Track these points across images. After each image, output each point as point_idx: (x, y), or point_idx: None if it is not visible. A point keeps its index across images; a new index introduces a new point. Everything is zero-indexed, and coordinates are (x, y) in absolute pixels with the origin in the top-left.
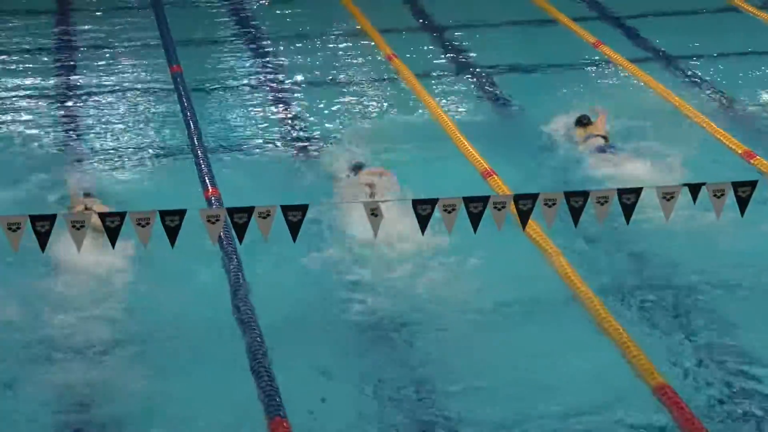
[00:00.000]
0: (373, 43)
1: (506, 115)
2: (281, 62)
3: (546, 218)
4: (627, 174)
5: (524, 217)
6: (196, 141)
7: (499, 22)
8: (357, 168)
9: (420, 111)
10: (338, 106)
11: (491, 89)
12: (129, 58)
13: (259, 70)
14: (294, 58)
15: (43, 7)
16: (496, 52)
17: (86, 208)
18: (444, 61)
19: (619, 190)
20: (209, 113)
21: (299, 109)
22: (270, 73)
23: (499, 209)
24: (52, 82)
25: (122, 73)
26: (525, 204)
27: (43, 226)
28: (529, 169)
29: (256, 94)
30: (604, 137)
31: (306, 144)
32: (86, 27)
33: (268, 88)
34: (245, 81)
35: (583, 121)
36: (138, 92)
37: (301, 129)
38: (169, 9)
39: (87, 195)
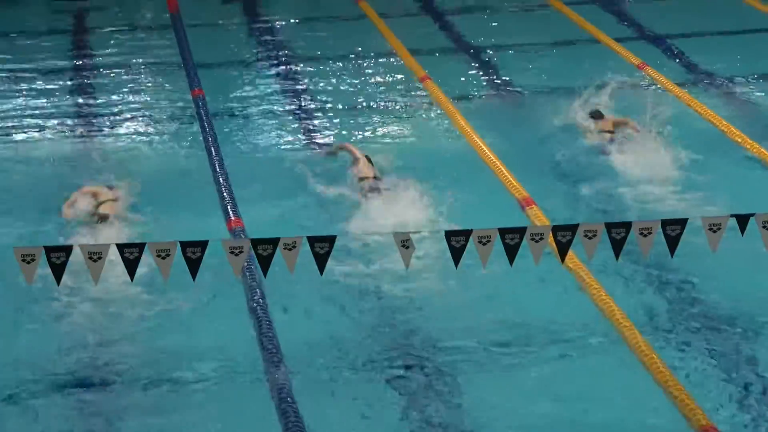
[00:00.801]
0: (405, 65)
1: (543, 138)
2: (308, 85)
3: (587, 251)
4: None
5: (563, 249)
6: (218, 167)
7: (536, 42)
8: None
9: (454, 135)
10: (369, 131)
11: (528, 111)
12: (148, 80)
13: (284, 93)
14: (322, 81)
15: (60, 27)
16: (533, 74)
17: (98, 202)
18: (479, 82)
19: (663, 221)
20: (232, 139)
21: (327, 134)
22: (296, 96)
23: (537, 241)
24: (67, 103)
25: (141, 95)
26: (564, 236)
27: (58, 257)
28: (567, 195)
29: (281, 119)
30: (611, 131)
31: (334, 171)
32: (104, 50)
33: (294, 113)
34: (270, 105)
35: (595, 116)
36: (157, 116)
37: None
38: (190, 29)
39: (109, 187)
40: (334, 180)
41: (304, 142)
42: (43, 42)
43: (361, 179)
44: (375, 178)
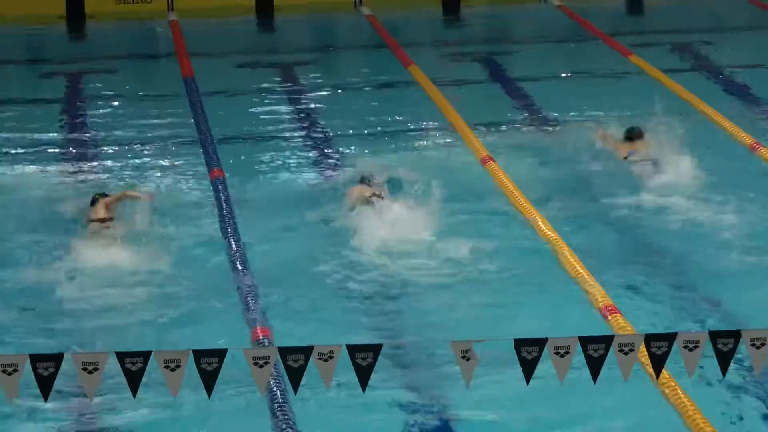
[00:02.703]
0: (465, 143)
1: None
2: (348, 166)
3: (687, 367)
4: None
5: (658, 363)
6: (239, 264)
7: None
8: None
9: (522, 226)
10: (433, 222)
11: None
12: (161, 157)
13: (321, 177)
14: (365, 160)
15: (50, 96)
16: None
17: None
18: (544, 167)
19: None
20: (256, 231)
21: (371, 227)
22: (336, 179)
23: (626, 353)
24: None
25: (153, 174)
26: (660, 347)
27: (46, 368)
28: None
29: (316, 210)
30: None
31: (375, 275)
32: (104, 121)
33: (332, 201)
34: (303, 192)
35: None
36: (171, 200)
37: (372, 251)
38: (207, 99)
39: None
40: (381, 281)
41: (343, 240)
42: (32, 112)
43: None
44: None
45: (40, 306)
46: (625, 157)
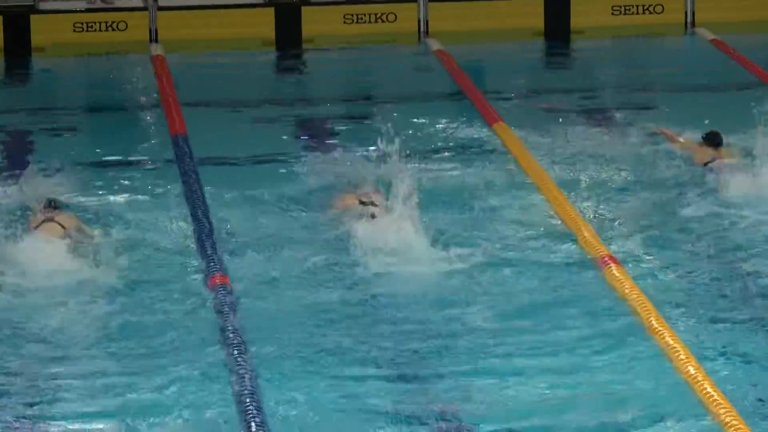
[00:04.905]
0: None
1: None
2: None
3: None
4: None
5: None
6: (248, 384)
7: None
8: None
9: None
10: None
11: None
12: (158, 269)
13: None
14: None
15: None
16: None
17: (47, 220)
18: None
19: None
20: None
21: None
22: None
23: None
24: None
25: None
26: None
27: None
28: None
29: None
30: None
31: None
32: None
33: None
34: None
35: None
36: (168, 310)
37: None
38: (207, 170)
39: (51, 205)
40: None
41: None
42: None
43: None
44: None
45: None
46: (706, 164)
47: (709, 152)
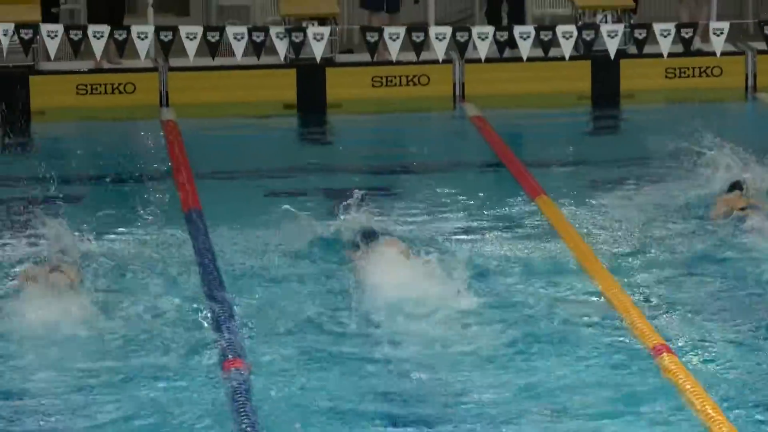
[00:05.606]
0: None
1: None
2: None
3: None
4: None
5: None
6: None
7: None
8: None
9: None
10: None
11: None
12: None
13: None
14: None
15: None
16: None
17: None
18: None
19: None
20: None
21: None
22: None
23: None
24: None
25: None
26: None
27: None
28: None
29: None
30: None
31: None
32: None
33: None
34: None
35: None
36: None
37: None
38: (221, 240)
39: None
40: None
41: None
42: None
43: None
44: None
45: None
46: (742, 209)
47: (742, 201)
